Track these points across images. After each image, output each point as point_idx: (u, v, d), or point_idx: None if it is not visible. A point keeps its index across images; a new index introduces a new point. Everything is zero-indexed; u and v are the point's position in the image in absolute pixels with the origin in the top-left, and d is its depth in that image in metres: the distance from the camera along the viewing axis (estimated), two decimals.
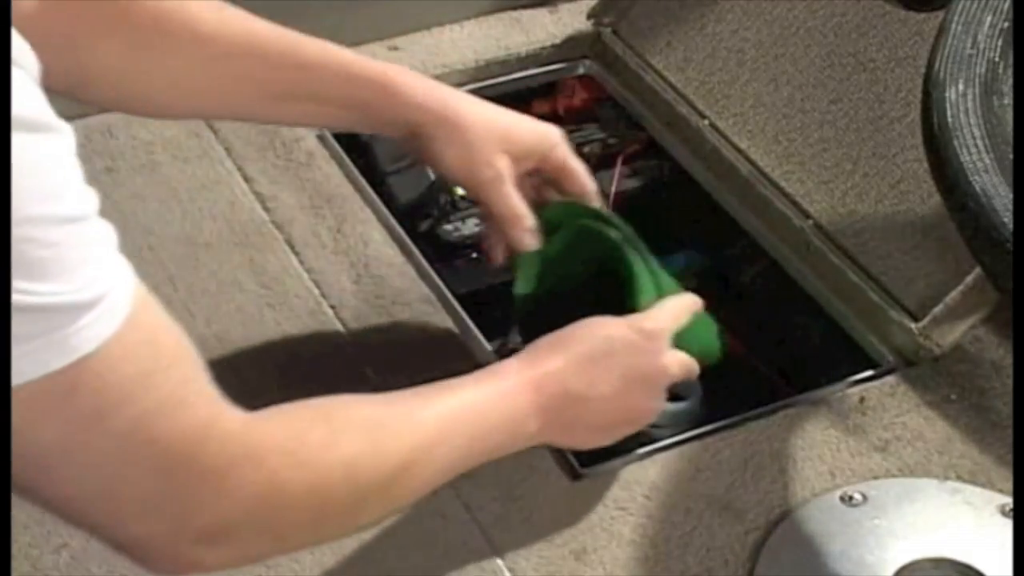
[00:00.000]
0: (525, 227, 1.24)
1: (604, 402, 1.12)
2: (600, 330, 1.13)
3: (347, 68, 1.19)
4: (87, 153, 1.50)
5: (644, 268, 1.23)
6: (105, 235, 0.78)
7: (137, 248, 1.34)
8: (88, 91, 1.11)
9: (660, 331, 1.17)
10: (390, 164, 1.61)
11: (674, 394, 1.39)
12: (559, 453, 1.25)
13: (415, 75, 1.22)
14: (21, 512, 1.11)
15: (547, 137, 1.25)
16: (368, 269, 1.40)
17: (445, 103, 1.21)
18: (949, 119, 1.06)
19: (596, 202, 1.29)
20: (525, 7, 1.75)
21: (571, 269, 1.26)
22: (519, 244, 1.24)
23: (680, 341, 1.19)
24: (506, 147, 1.22)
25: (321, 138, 1.58)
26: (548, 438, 1.12)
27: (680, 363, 1.18)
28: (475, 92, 1.65)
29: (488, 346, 1.35)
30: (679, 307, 1.21)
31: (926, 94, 1.09)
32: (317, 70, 1.18)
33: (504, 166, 1.22)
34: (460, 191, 1.57)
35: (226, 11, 1.15)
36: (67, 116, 1.51)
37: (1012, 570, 0.98)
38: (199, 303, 1.31)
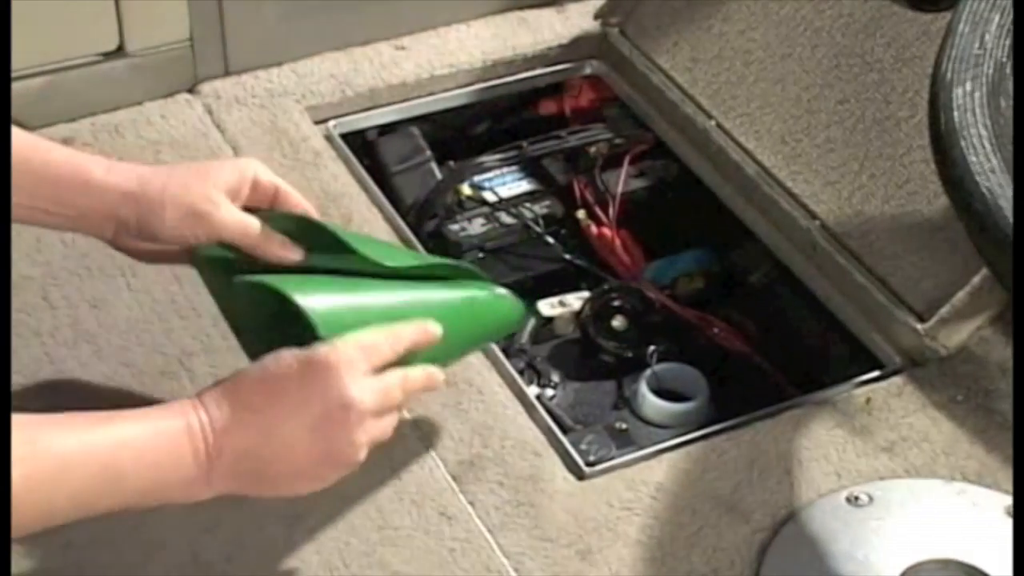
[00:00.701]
0: (257, 237, 1.17)
1: (286, 450, 1.02)
2: (271, 370, 1.03)
3: (43, 170, 1.14)
4: (95, 152, 1.51)
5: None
6: None
7: None
8: None
9: (335, 364, 1.03)
10: (396, 164, 1.61)
11: (681, 394, 1.40)
12: (564, 451, 1.25)
13: (104, 164, 1.17)
14: None
15: (246, 166, 1.20)
16: None
17: (139, 178, 1.16)
18: (956, 120, 1.06)
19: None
20: (532, 7, 1.75)
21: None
22: (267, 255, 1.17)
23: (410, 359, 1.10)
24: (213, 184, 1.17)
25: (328, 138, 1.58)
26: (233, 489, 1.02)
27: (378, 390, 1.05)
28: (482, 92, 1.68)
29: (495, 345, 1.35)
30: (381, 336, 1.08)
31: (933, 95, 1.09)
32: (30, 176, 1.14)
33: (219, 197, 1.16)
34: (467, 191, 1.58)
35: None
36: (74, 115, 1.53)
37: (1012, 570, 0.98)
38: (205, 301, 1.30)
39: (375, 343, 1.07)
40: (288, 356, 1.03)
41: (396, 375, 1.07)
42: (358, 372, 1.04)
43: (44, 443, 0.94)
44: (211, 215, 1.15)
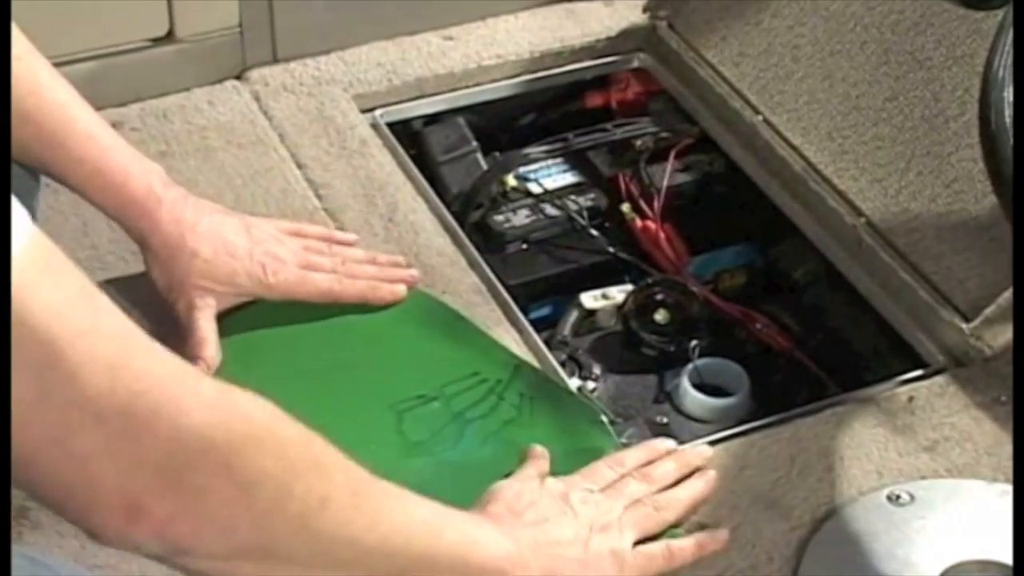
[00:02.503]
0: (197, 359, 1.24)
1: (562, 536, 1.07)
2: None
3: (101, 166, 1.21)
4: (142, 137, 1.53)
5: None
6: None
7: None
8: None
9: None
10: (442, 154, 1.62)
11: (722, 390, 1.40)
12: None
13: (161, 190, 1.24)
14: None
15: (248, 276, 1.27)
16: (419, 258, 1.41)
17: (160, 227, 1.24)
18: (1007, 119, 1.05)
19: None
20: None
21: None
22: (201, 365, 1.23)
23: None
24: (207, 286, 1.25)
25: (375, 127, 1.58)
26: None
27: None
28: (529, 83, 1.68)
29: (537, 336, 1.35)
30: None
31: (984, 93, 1.08)
32: (80, 174, 1.21)
33: (200, 300, 1.25)
34: (512, 182, 1.58)
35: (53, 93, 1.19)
36: (123, 100, 1.54)
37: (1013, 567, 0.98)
38: None
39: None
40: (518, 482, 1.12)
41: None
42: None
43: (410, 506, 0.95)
44: (180, 315, 1.25)
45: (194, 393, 0.78)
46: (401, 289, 1.33)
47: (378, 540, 0.90)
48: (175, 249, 1.24)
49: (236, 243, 1.27)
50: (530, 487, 1.11)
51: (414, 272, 1.35)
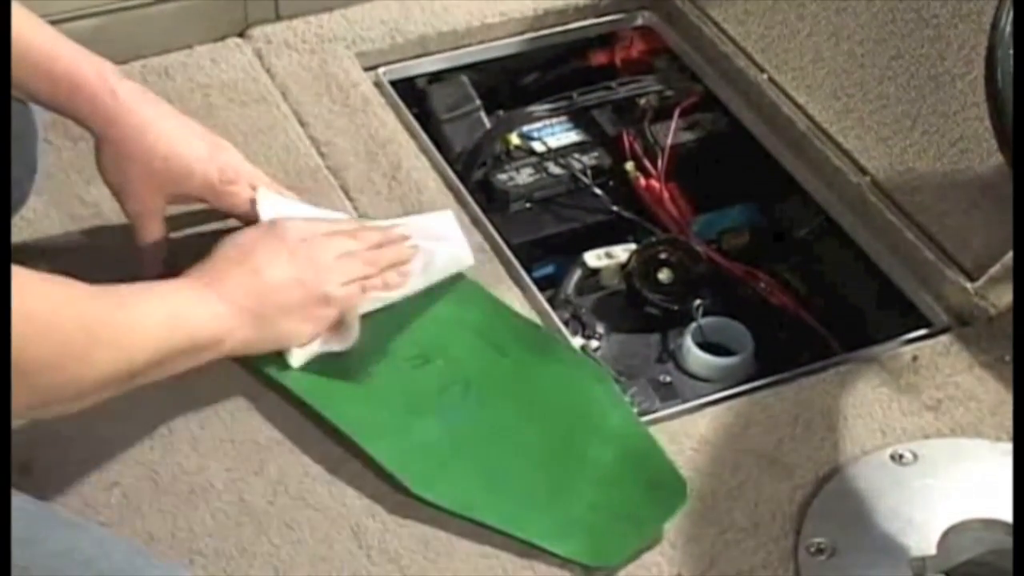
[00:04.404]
0: (151, 262, 1.28)
1: (272, 283, 1.16)
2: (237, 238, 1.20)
3: (52, 65, 1.20)
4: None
5: None
6: None
7: None
8: None
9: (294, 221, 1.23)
10: (445, 112, 1.61)
11: (726, 349, 1.40)
12: None
13: (114, 81, 1.22)
14: (73, 449, 1.13)
15: (203, 178, 1.26)
16: None
17: (118, 119, 1.22)
18: (1014, 77, 1.04)
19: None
20: None
21: None
22: (144, 273, 1.25)
23: None
24: (160, 186, 1.25)
25: (378, 85, 1.58)
26: (247, 332, 1.14)
27: (335, 233, 1.24)
28: (532, 41, 1.67)
29: (540, 295, 1.35)
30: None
31: (990, 51, 1.08)
32: (26, 65, 1.19)
33: (152, 203, 1.26)
34: (516, 141, 1.57)
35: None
36: (125, 58, 1.53)
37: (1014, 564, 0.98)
38: None
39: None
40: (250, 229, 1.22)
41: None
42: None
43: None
44: (132, 218, 1.27)
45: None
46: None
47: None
48: (132, 143, 1.22)
49: (197, 145, 1.26)
50: (253, 233, 1.20)
51: None
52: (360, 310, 1.23)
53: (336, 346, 1.21)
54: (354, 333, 1.22)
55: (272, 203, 1.27)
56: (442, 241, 1.31)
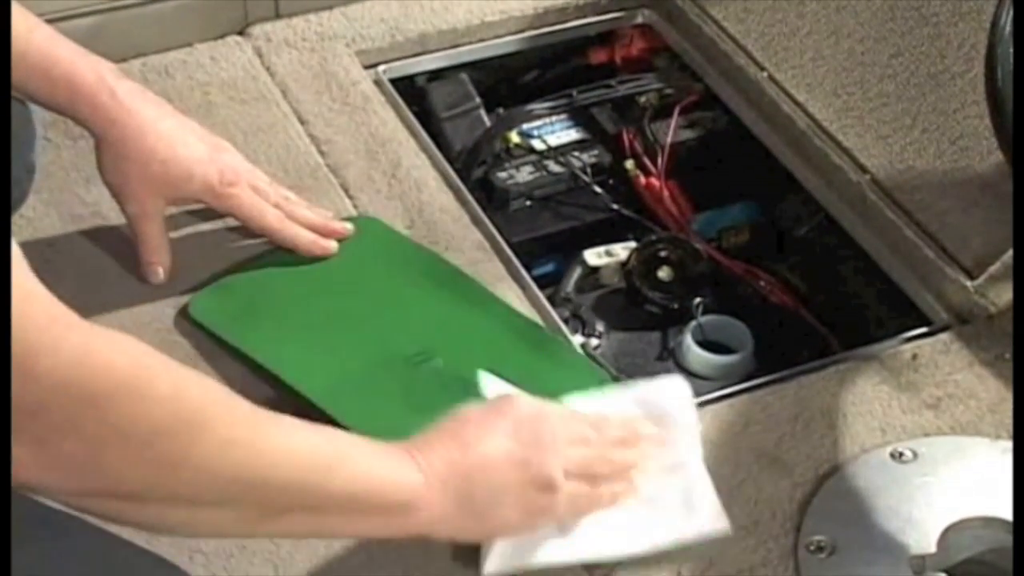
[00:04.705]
0: (151, 264, 1.27)
1: (488, 462, 1.00)
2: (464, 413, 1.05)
3: (50, 67, 1.19)
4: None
5: None
6: None
7: None
8: None
9: (526, 400, 1.07)
10: (445, 110, 1.61)
11: (725, 347, 1.40)
12: None
13: (113, 81, 1.22)
14: None
15: (203, 181, 1.25)
16: (422, 214, 1.40)
17: (118, 120, 1.22)
18: (1013, 75, 1.04)
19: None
20: None
21: None
22: (146, 277, 1.28)
23: None
24: (159, 188, 1.25)
25: (378, 83, 1.58)
26: (447, 509, 0.99)
27: (574, 429, 1.06)
28: (532, 39, 1.67)
29: (540, 293, 1.35)
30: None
31: (991, 47, 1.08)
32: (24, 66, 1.19)
33: (151, 205, 1.25)
34: (515, 139, 1.57)
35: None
36: (124, 56, 1.53)
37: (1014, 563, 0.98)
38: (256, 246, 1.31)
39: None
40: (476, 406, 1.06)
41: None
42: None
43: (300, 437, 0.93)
44: (130, 220, 1.26)
45: (58, 339, 0.78)
46: (333, 245, 1.32)
47: (254, 475, 0.88)
48: (132, 144, 1.22)
49: (196, 147, 1.26)
50: (477, 408, 1.05)
51: (348, 226, 1.34)
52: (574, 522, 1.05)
53: (539, 555, 1.04)
54: (556, 546, 1.04)
55: (498, 385, 1.16)
56: (681, 479, 1.12)
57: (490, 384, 1.16)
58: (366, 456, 0.96)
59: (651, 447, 1.10)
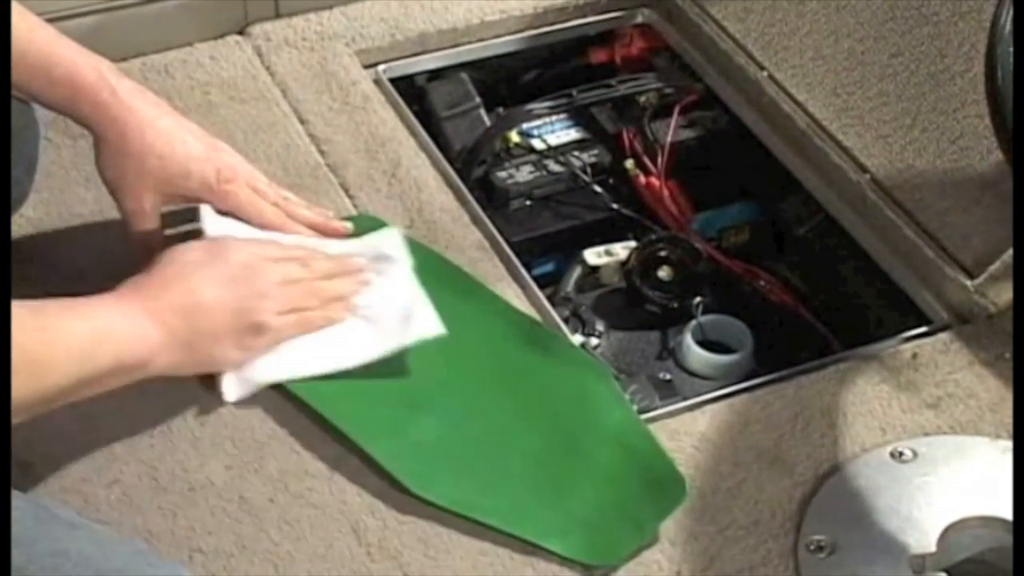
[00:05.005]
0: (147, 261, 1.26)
1: (207, 303, 1.13)
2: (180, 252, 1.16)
3: (50, 67, 1.20)
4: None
5: None
6: None
7: None
8: None
9: (240, 241, 1.22)
10: (445, 110, 1.61)
11: (725, 346, 1.40)
12: None
13: (114, 79, 1.22)
14: (73, 446, 1.13)
15: (201, 178, 1.25)
16: (422, 214, 1.40)
17: (118, 117, 1.22)
18: (1013, 74, 1.04)
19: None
20: None
21: None
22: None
23: None
24: (157, 185, 1.24)
25: (377, 82, 1.58)
26: (174, 355, 1.11)
27: (281, 259, 1.20)
28: (532, 39, 1.67)
29: (540, 293, 1.35)
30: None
31: (991, 47, 1.07)
32: (25, 66, 1.19)
33: (148, 202, 1.25)
34: (515, 138, 1.57)
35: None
36: (124, 55, 1.53)
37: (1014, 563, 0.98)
38: None
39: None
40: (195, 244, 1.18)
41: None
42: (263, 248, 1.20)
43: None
44: (126, 216, 1.25)
45: None
46: None
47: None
48: (131, 141, 1.22)
49: (194, 145, 1.26)
50: (197, 251, 1.17)
51: (348, 225, 1.34)
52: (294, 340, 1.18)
53: (268, 374, 1.18)
54: (284, 364, 1.18)
55: (217, 222, 1.24)
56: (397, 299, 1.23)
57: (209, 220, 1.23)
58: (97, 314, 1.06)
59: (362, 276, 1.24)
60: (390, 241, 1.29)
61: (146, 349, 1.08)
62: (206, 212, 1.24)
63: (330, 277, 1.23)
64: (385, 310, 1.22)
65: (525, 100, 1.61)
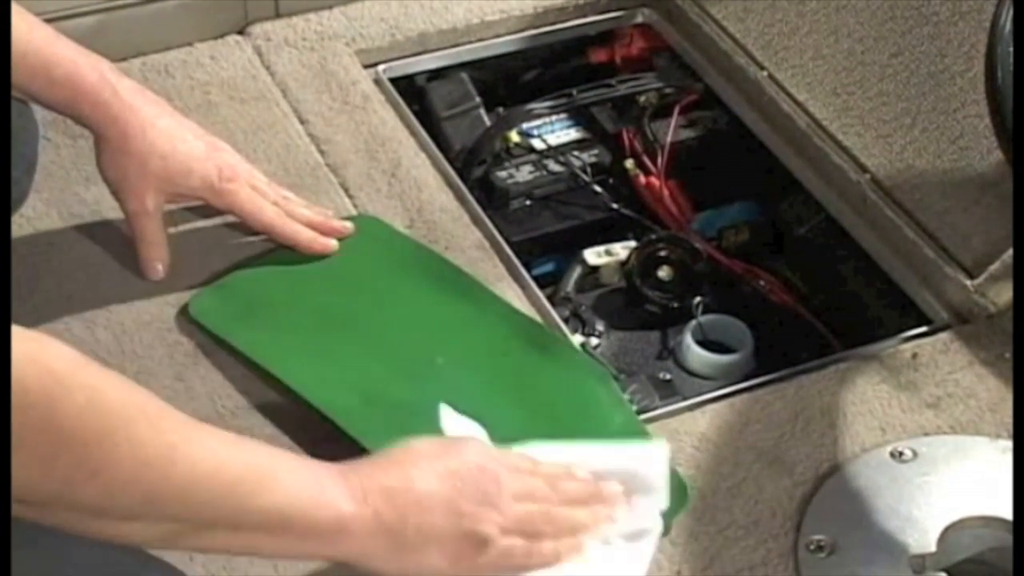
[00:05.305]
0: (150, 260, 1.27)
1: (425, 499, 0.97)
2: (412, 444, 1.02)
3: (51, 68, 1.19)
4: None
5: None
6: None
7: None
8: None
9: (479, 444, 1.06)
10: (445, 110, 1.61)
11: (725, 346, 1.40)
12: None
13: (114, 79, 1.22)
14: None
15: (202, 177, 1.25)
16: (422, 214, 1.40)
17: (119, 117, 1.22)
18: (1013, 74, 1.04)
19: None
20: None
21: None
22: (146, 273, 1.28)
23: None
24: (159, 185, 1.24)
25: (377, 82, 1.58)
26: (376, 542, 0.96)
27: (521, 473, 1.03)
28: (532, 39, 1.67)
29: (540, 293, 1.35)
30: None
31: (991, 47, 1.08)
32: (25, 66, 1.18)
33: (150, 201, 1.25)
34: (515, 138, 1.57)
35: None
36: (124, 55, 1.53)
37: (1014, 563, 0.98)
38: None
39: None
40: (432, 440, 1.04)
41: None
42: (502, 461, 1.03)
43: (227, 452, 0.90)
44: (129, 217, 1.25)
45: None
46: (333, 243, 1.32)
47: (168, 493, 0.87)
48: (133, 141, 1.22)
49: (195, 144, 1.26)
50: (431, 443, 1.03)
51: (348, 225, 1.34)
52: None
53: None
54: None
55: (458, 422, 1.13)
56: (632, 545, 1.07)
57: (449, 420, 1.14)
58: (295, 476, 0.94)
59: (608, 509, 1.06)
60: (654, 467, 1.10)
61: (337, 518, 0.94)
62: (446, 412, 1.14)
63: (575, 503, 1.05)
64: (614, 560, 1.05)
65: (525, 100, 1.61)
